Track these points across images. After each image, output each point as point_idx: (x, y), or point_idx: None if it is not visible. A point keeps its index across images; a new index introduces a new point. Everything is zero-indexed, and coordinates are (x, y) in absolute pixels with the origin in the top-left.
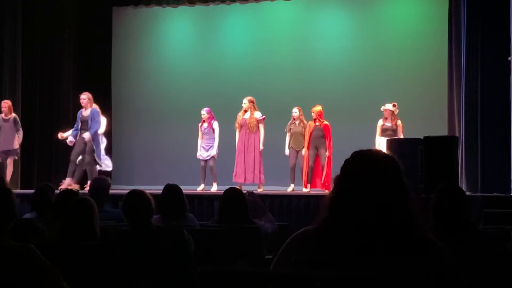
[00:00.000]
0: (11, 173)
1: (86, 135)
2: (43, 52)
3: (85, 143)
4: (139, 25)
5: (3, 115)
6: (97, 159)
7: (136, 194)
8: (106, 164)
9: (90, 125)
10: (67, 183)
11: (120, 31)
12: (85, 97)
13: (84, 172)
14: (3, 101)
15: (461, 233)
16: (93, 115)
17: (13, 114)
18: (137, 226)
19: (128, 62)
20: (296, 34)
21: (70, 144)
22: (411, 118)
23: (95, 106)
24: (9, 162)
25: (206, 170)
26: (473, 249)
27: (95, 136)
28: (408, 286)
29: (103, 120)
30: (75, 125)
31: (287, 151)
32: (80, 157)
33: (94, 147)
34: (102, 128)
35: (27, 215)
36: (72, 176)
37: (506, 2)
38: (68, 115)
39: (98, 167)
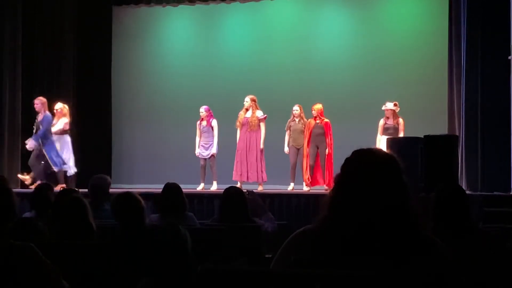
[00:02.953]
0: None
1: (30, 143)
2: (43, 52)
3: (39, 149)
4: (139, 24)
5: None
6: (52, 166)
7: (123, 199)
8: (67, 166)
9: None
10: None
11: (120, 30)
12: (38, 102)
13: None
14: None
15: (461, 232)
16: (42, 122)
17: None
18: (129, 229)
19: (129, 61)
20: (296, 33)
21: (30, 149)
22: (412, 117)
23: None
24: None
25: (205, 168)
26: (473, 248)
27: (44, 141)
28: (409, 286)
29: (61, 121)
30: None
31: (286, 149)
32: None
33: (45, 153)
34: (58, 128)
35: (27, 214)
36: (33, 172)
37: (506, 1)
38: None
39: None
